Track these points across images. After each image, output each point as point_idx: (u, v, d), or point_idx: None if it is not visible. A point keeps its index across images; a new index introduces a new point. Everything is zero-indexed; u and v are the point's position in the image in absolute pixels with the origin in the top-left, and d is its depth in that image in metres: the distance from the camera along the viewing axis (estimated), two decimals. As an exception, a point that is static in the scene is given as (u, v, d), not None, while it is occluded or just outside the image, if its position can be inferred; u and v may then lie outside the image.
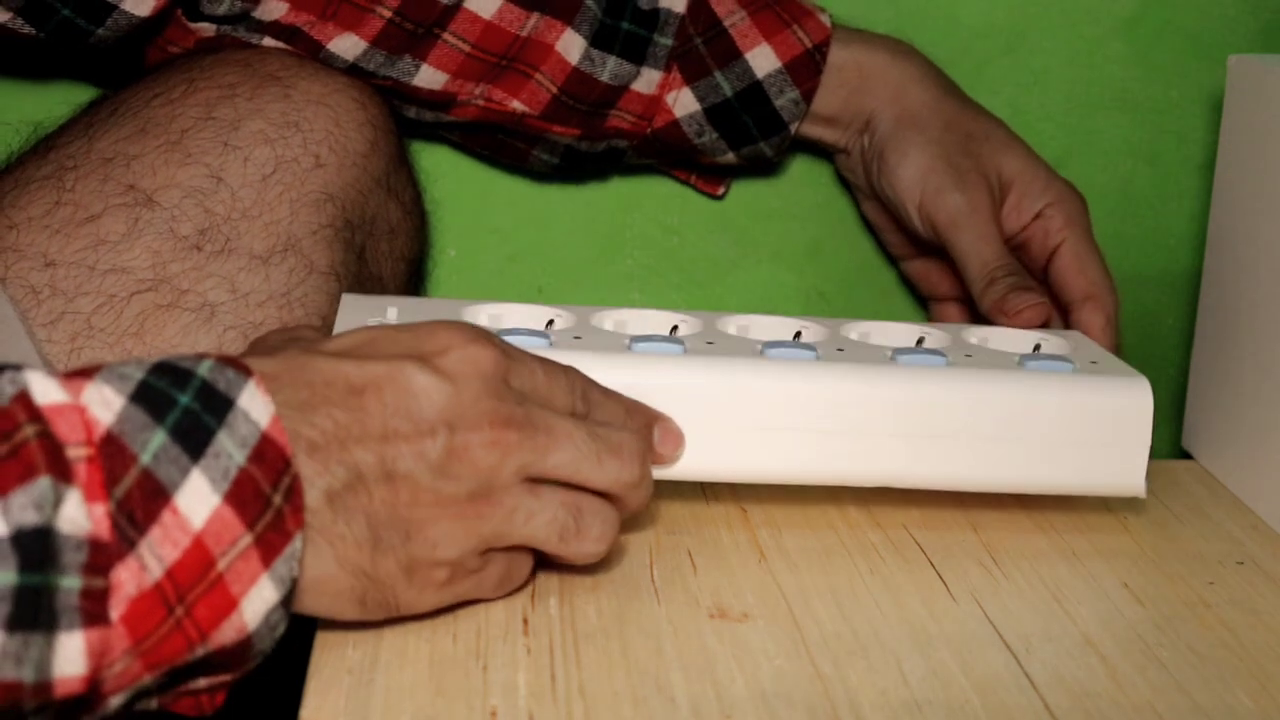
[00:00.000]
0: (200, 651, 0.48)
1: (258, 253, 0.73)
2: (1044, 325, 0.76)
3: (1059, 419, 0.66)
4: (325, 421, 0.52)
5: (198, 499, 0.47)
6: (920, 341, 0.72)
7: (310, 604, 0.52)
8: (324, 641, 0.56)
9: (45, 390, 0.46)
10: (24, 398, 0.45)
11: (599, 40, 0.81)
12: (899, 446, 0.66)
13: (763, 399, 0.65)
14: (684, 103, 0.83)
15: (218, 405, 0.48)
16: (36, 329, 0.70)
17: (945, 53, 0.90)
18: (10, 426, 0.44)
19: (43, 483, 0.44)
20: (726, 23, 0.83)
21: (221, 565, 0.47)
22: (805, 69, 0.83)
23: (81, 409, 0.46)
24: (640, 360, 0.65)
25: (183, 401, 0.48)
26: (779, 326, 0.72)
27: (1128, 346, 0.95)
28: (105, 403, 0.46)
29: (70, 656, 0.44)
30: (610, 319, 0.71)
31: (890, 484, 0.67)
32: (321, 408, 0.52)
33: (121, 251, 0.72)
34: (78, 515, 0.44)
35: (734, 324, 0.72)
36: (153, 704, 0.50)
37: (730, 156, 0.86)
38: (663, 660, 0.56)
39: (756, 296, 0.94)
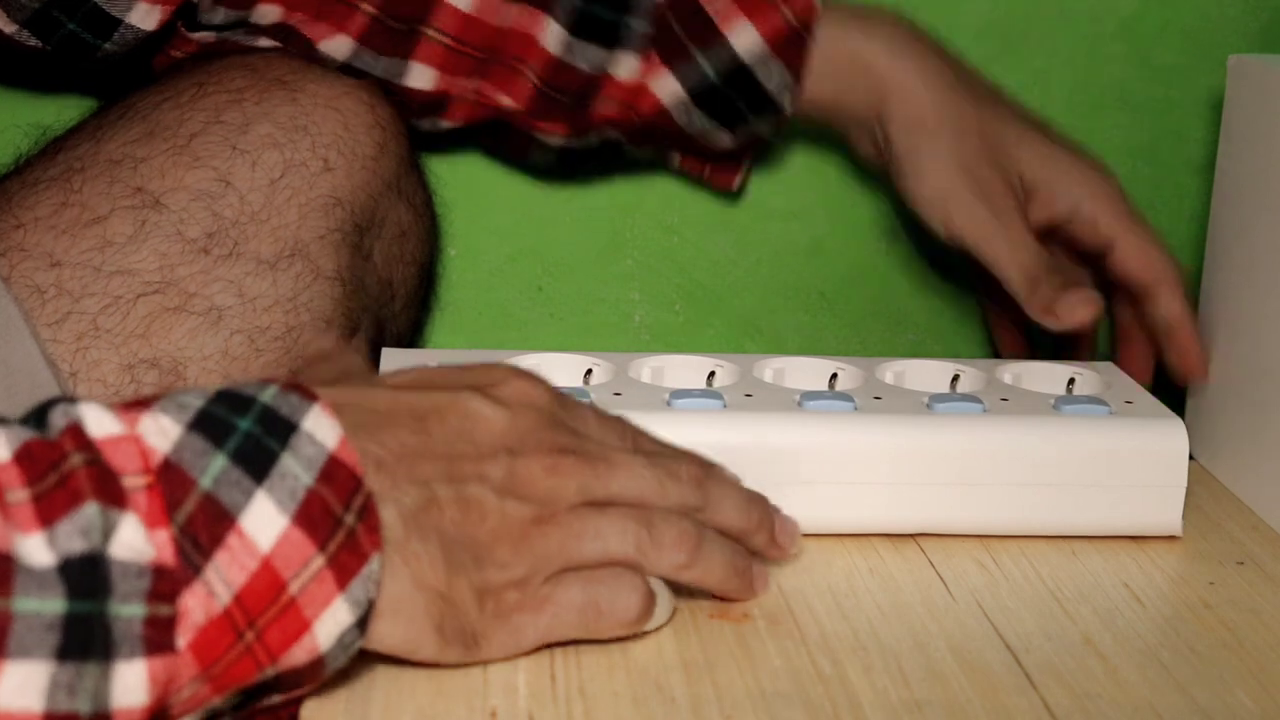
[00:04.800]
0: (270, 673, 0.47)
1: (265, 257, 0.73)
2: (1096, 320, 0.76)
3: (1095, 464, 0.66)
4: (392, 442, 0.51)
5: (264, 521, 0.46)
6: (955, 380, 0.73)
7: (387, 631, 0.50)
8: (324, 641, 0.56)
9: (99, 422, 0.45)
10: (75, 430, 0.45)
11: (579, 28, 0.79)
12: (937, 495, 0.66)
13: (803, 454, 0.66)
14: (668, 88, 0.80)
15: (281, 429, 0.47)
16: (42, 328, 0.70)
17: (945, 53, 0.90)
18: (58, 457, 0.44)
19: (89, 509, 0.43)
20: (704, 1, 0.79)
21: (294, 588, 0.46)
22: (791, 46, 0.78)
23: (137, 438, 0.45)
24: (681, 418, 0.66)
25: (243, 426, 0.47)
26: (814, 370, 0.73)
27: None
28: (162, 432, 0.46)
29: (131, 686, 0.43)
30: (647, 367, 0.72)
31: (926, 531, 0.67)
32: (388, 429, 0.52)
33: (129, 253, 0.72)
34: (136, 541, 0.44)
35: (769, 369, 0.72)
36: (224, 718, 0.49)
37: (726, 140, 0.82)
38: (663, 660, 0.56)
39: (756, 297, 0.94)
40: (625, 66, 0.79)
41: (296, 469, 0.47)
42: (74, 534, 0.43)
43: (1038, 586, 0.64)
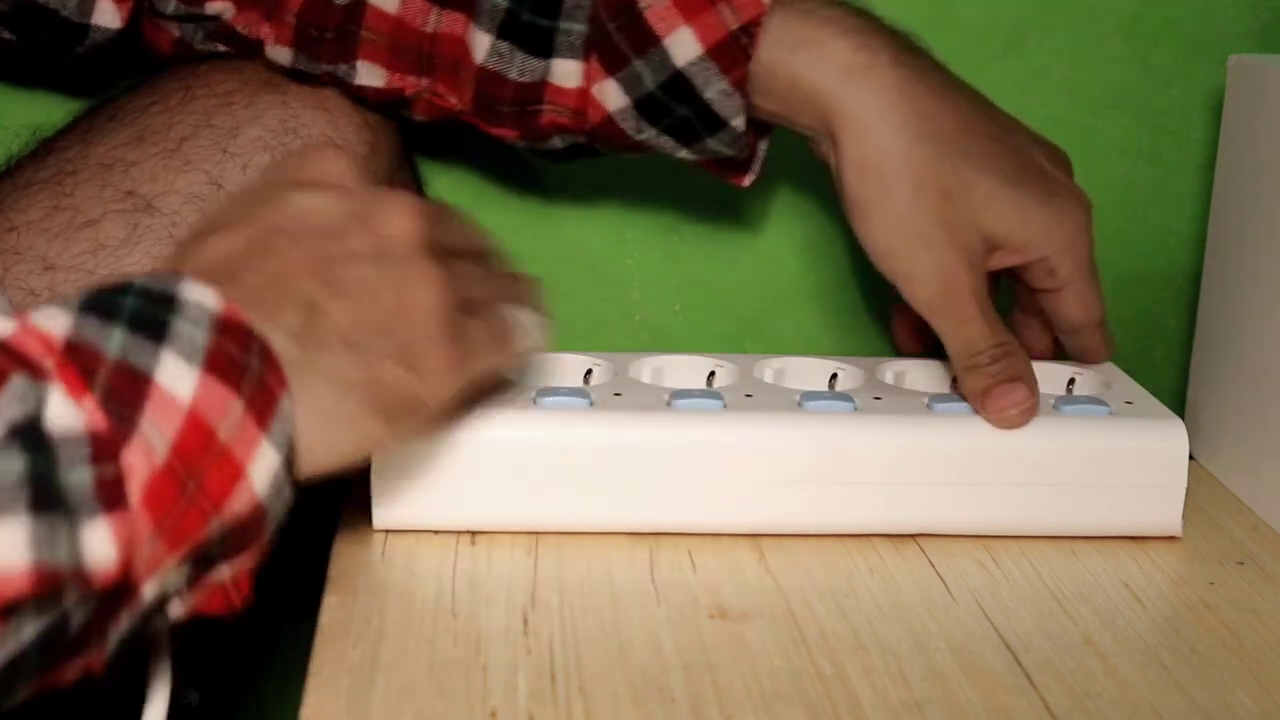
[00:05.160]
0: (217, 526, 0.48)
1: None
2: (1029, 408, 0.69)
3: (1095, 464, 0.66)
4: (253, 277, 0.52)
5: (178, 376, 0.47)
6: (954, 382, 0.73)
7: (339, 445, 0.53)
8: (324, 641, 0.56)
9: None
10: None
11: (506, 32, 0.73)
12: (937, 495, 0.66)
13: (803, 454, 0.66)
14: (612, 96, 0.73)
15: (163, 300, 0.49)
16: None
17: (945, 53, 0.90)
18: None
19: (17, 380, 0.44)
20: (642, 3, 0.72)
21: (222, 435, 0.48)
22: (730, 54, 0.71)
23: (32, 329, 0.46)
24: (681, 418, 0.66)
25: (129, 304, 0.48)
26: (815, 370, 0.73)
27: (1128, 346, 0.95)
28: (53, 318, 0.47)
29: (100, 544, 0.44)
30: (647, 367, 0.72)
31: (926, 531, 0.67)
32: (242, 267, 0.53)
33: (121, 257, 0.72)
34: (65, 413, 0.45)
35: (769, 369, 0.72)
36: (185, 606, 0.50)
37: (688, 155, 0.76)
38: (663, 660, 0.56)
39: (756, 296, 0.94)
40: (565, 73, 0.74)
41: (190, 329, 0.48)
42: (12, 401, 0.44)
43: (1038, 586, 0.64)
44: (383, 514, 0.65)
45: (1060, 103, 0.92)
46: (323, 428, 0.52)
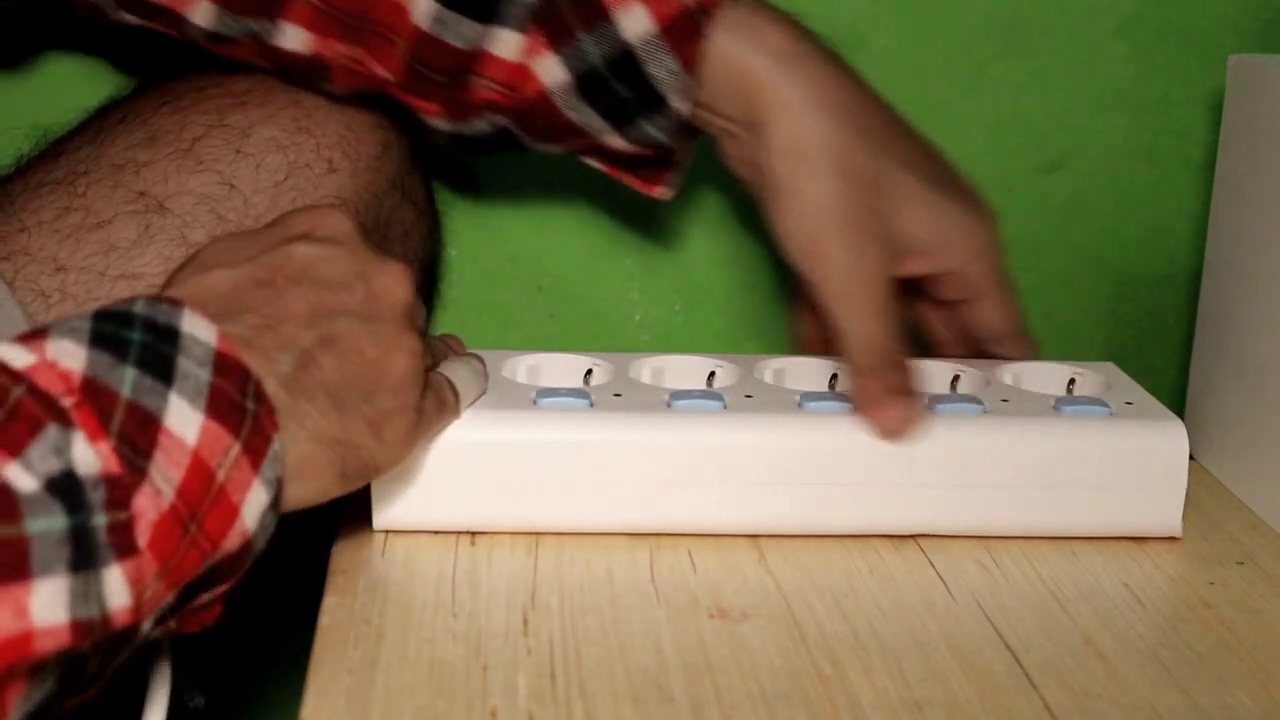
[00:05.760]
0: (210, 564, 0.50)
1: None
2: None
3: (1095, 464, 0.66)
4: (252, 319, 0.54)
5: (183, 419, 0.49)
6: (955, 381, 0.73)
7: (297, 492, 0.54)
8: (324, 641, 0.56)
9: (14, 356, 0.47)
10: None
11: (452, 0, 0.72)
12: (937, 496, 0.66)
13: (803, 454, 0.66)
14: (551, 71, 0.72)
15: (166, 335, 0.50)
16: None
17: (945, 53, 0.90)
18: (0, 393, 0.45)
19: (52, 430, 0.45)
20: None
21: (220, 476, 0.49)
22: (684, 32, 0.70)
23: (52, 364, 0.47)
24: (681, 418, 0.66)
25: (135, 338, 0.49)
26: (815, 370, 0.73)
27: (1128, 346, 0.95)
28: (69, 354, 0.48)
29: (116, 590, 0.46)
30: (647, 367, 0.72)
31: (926, 532, 0.67)
32: (241, 309, 0.54)
33: (133, 258, 0.72)
34: (87, 456, 0.46)
35: (769, 369, 0.72)
36: (163, 629, 0.51)
37: (618, 141, 0.74)
38: (663, 660, 0.56)
39: (756, 297, 0.94)
40: (505, 44, 0.72)
41: (193, 368, 0.50)
42: (47, 455, 0.45)
43: (1038, 586, 0.64)
44: (383, 514, 0.65)
45: (1060, 103, 0.92)
46: (291, 475, 0.54)
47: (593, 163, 0.78)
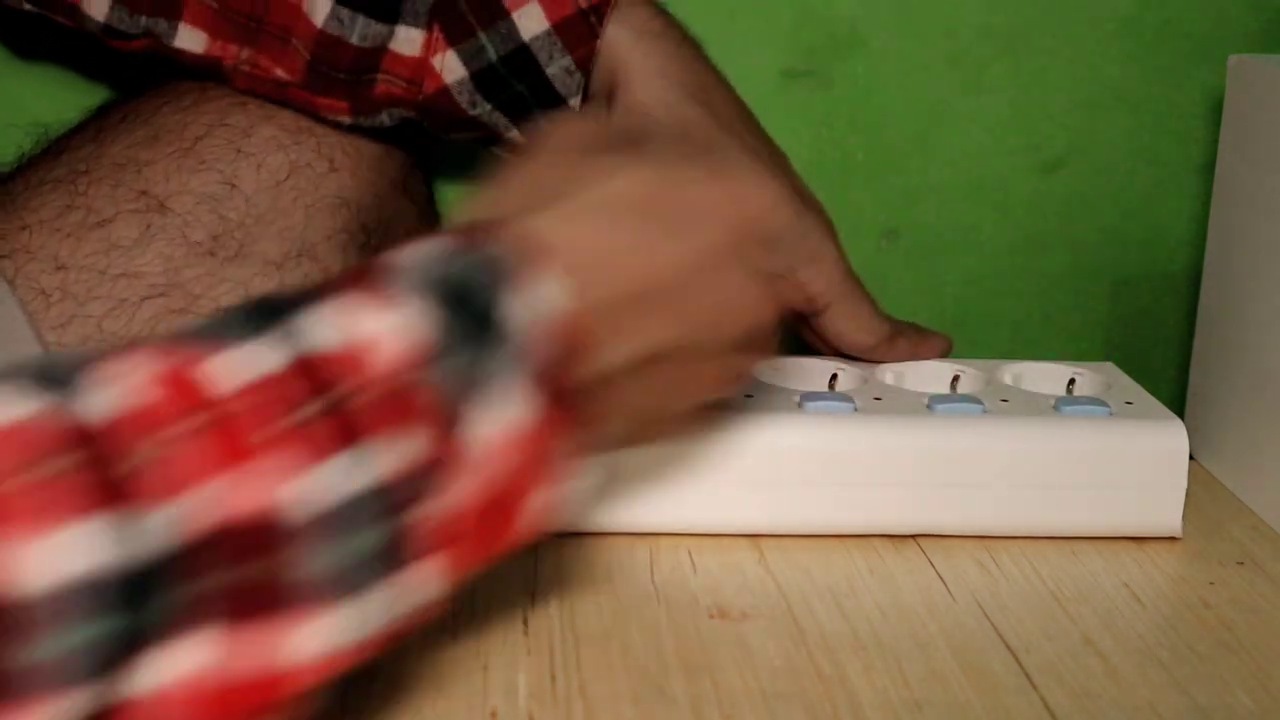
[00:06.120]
0: (512, 537, 0.46)
1: (272, 258, 0.73)
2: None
3: (1095, 464, 0.66)
4: (645, 340, 0.49)
5: (513, 404, 0.44)
6: (955, 381, 0.73)
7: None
8: (324, 641, 0.56)
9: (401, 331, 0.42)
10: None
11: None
12: (937, 495, 0.67)
13: (803, 454, 0.66)
14: (451, 67, 0.73)
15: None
16: (46, 332, 0.70)
17: (945, 53, 0.90)
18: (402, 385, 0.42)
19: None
20: None
21: (543, 454, 0.45)
22: (577, 32, 0.71)
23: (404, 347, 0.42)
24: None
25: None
26: (814, 370, 0.73)
27: (1128, 346, 0.95)
28: (416, 326, 0.43)
29: (429, 576, 0.43)
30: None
31: (926, 532, 0.67)
32: (640, 325, 0.48)
33: (134, 257, 0.72)
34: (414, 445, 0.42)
35: (770, 369, 0.72)
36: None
37: (516, 135, 0.75)
38: (663, 660, 0.56)
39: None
40: (407, 41, 0.73)
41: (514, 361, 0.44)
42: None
43: (1038, 586, 0.64)
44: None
45: (1060, 103, 0.92)
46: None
47: (500, 152, 0.78)
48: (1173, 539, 0.68)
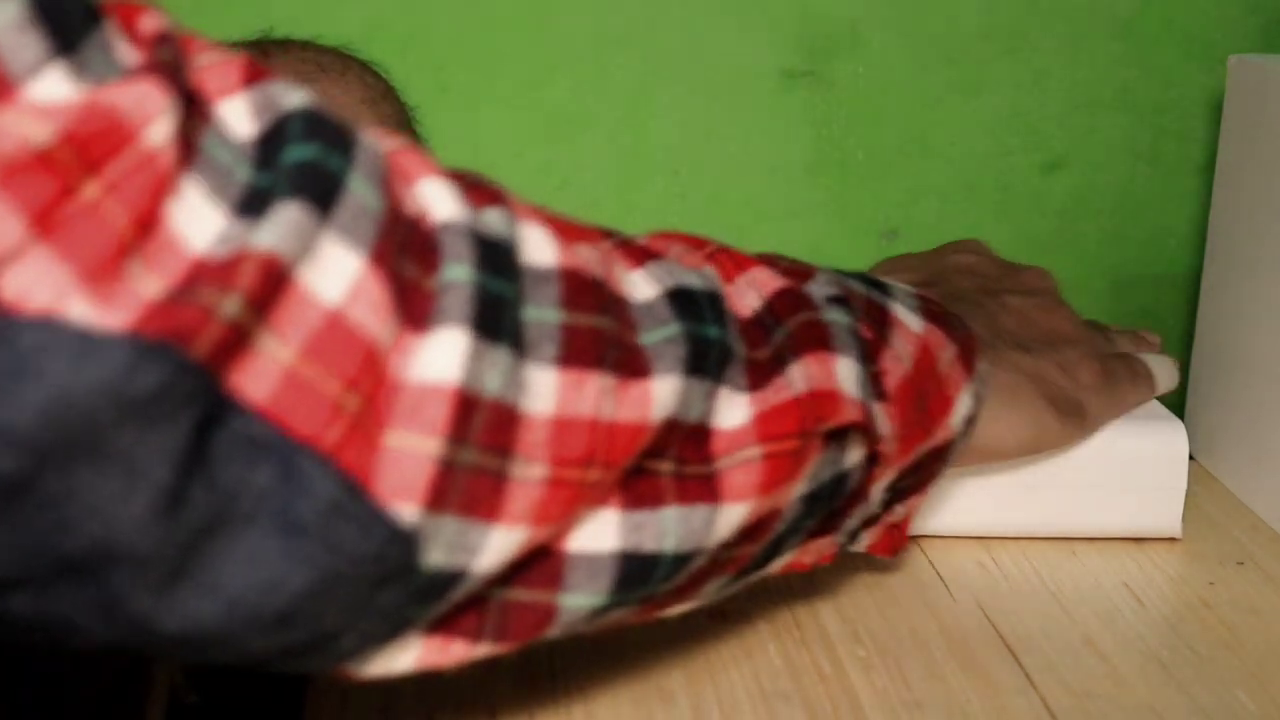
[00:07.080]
0: (922, 451, 0.54)
1: None
2: None
3: (1095, 464, 0.66)
4: (936, 292, 0.63)
5: (905, 314, 0.55)
6: None
7: (1015, 426, 0.60)
8: (324, 641, 0.56)
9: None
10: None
11: None
12: (937, 496, 0.66)
13: None
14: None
15: (877, 286, 0.56)
16: None
17: (945, 52, 0.90)
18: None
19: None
20: None
21: (941, 367, 0.55)
22: None
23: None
24: None
25: (857, 285, 0.55)
26: None
27: (1128, 346, 0.94)
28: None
29: (882, 422, 0.51)
30: None
31: (926, 532, 0.67)
32: (926, 285, 0.64)
33: None
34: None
35: None
36: (865, 542, 0.57)
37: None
38: (663, 660, 0.56)
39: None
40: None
41: (905, 298, 0.56)
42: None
43: (1038, 586, 0.63)
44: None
45: (1060, 103, 0.92)
46: (1003, 404, 0.59)
47: None
48: (1173, 539, 0.68)
